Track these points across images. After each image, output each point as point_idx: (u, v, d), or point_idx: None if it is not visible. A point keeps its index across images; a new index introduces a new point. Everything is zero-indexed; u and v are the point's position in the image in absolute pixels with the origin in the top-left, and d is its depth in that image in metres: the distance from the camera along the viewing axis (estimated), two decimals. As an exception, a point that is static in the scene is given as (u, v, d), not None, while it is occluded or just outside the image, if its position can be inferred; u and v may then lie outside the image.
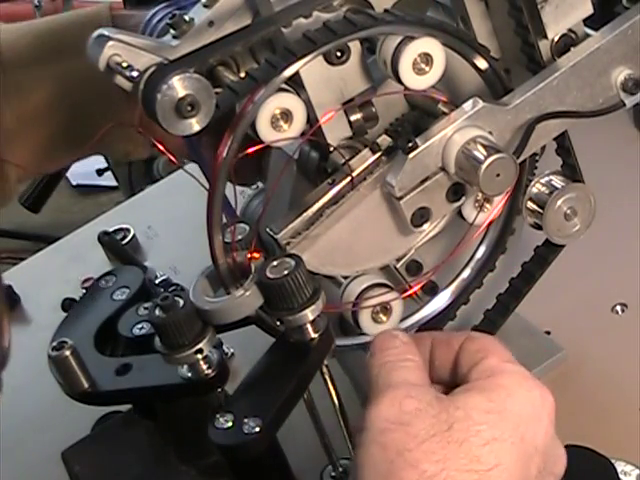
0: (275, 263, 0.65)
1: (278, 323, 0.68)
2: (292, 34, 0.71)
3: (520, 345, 0.87)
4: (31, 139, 0.88)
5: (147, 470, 0.73)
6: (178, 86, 0.63)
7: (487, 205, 0.74)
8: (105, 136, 0.68)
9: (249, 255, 0.68)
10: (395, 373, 0.63)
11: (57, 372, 0.70)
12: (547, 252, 0.79)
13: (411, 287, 0.77)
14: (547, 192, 0.76)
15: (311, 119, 0.71)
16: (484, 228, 0.75)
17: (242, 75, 0.74)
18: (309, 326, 0.65)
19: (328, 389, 0.74)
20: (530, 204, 0.77)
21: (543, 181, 0.77)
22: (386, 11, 0.69)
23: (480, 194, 0.72)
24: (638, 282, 0.90)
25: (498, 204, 0.74)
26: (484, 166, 0.67)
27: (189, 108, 0.64)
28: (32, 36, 0.90)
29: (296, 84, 0.70)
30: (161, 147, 0.69)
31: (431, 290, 0.79)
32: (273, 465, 0.65)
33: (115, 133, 0.71)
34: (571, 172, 0.77)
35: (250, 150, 0.68)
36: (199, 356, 0.66)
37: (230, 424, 0.63)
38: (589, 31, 0.75)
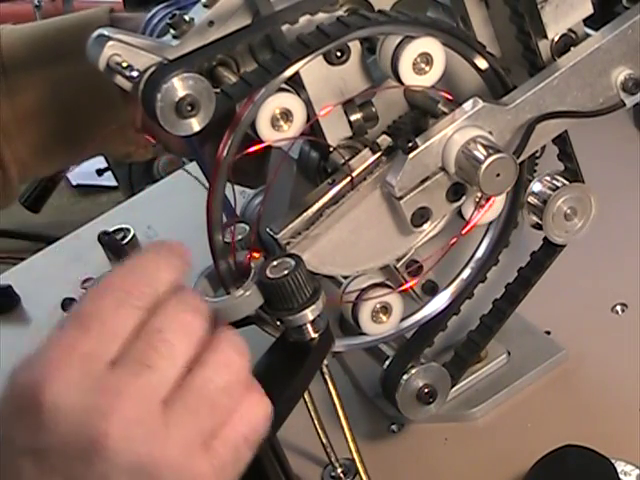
0: (275, 263, 0.65)
1: (278, 323, 0.68)
2: (292, 34, 0.71)
3: (520, 345, 0.87)
4: (29, 138, 0.89)
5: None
6: (178, 86, 0.63)
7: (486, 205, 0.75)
8: (106, 139, 0.68)
9: (249, 255, 0.68)
10: None
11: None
12: (547, 252, 0.79)
13: (406, 281, 0.77)
14: (547, 192, 0.76)
15: (311, 119, 0.71)
16: (474, 224, 0.74)
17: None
18: (309, 326, 0.65)
19: (328, 389, 0.74)
20: (530, 204, 0.77)
21: (543, 181, 0.77)
22: (382, 11, 0.69)
23: (480, 194, 0.72)
24: (638, 282, 0.90)
25: (489, 202, 0.73)
26: (484, 166, 0.67)
27: (189, 108, 0.64)
28: (31, 38, 0.90)
29: (296, 84, 0.70)
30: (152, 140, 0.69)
31: (431, 290, 0.79)
32: (273, 465, 0.65)
33: (115, 135, 0.71)
34: (571, 172, 0.77)
35: (250, 150, 0.68)
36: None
37: (230, 424, 0.62)
38: (589, 31, 0.75)
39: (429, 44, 0.69)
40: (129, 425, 0.52)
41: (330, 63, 0.71)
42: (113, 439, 0.52)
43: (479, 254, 0.78)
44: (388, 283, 0.75)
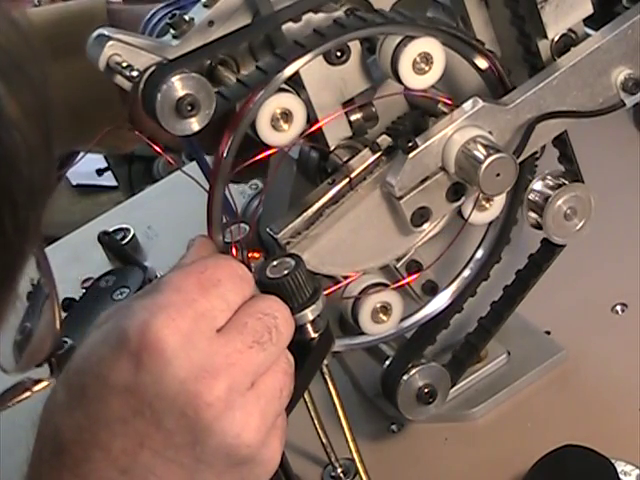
0: (275, 263, 0.65)
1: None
2: (291, 34, 0.71)
3: (520, 345, 0.87)
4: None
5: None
6: (178, 86, 0.63)
7: (486, 204, 0.75)
8: (95, 134, 0.68)
9: (249, 255, 0.68)
10: None
11: (58, 371, 0.70)
12: (545, 254, 0.79)
13: (404, 278, 0.77)
14: (547, 192, 0.76)
15: (311, 119, 0.71)
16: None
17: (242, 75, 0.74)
18: (309, 326, 0.64)
19: (328, 389, 0.74)
20: (530, 204, 0.77)
21: (543, 181, 0.77)
22: (396, 11, 0.69)
23: (480, 194, 0.72)
24: (638, 282, 0.90)
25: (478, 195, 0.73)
26: (484, 166, 0.67)
27: (189, 108, 0.64)
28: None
29: (296, 84, 0.70)
30: (158, 149, 0.69)
31: (431, 290, 0.79)
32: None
33: (110, 135, 0.70)
34: (571, 172, 0.77)
35: (257, 157, 0.68)
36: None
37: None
38: (589, 31, 0.75)
39: (429, 44, 0.69)
40: (232, 392, 0.54)
41: (330, 63, 0.71)
42: (218, 399, 0.54)
43: (479, 254, 0.78)
44: (386, 282, 0.75)
